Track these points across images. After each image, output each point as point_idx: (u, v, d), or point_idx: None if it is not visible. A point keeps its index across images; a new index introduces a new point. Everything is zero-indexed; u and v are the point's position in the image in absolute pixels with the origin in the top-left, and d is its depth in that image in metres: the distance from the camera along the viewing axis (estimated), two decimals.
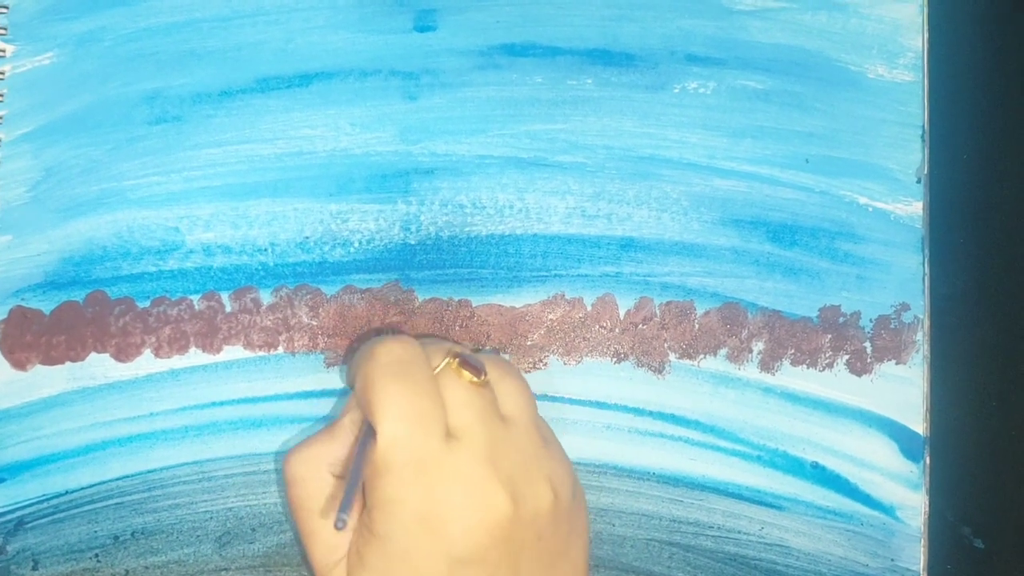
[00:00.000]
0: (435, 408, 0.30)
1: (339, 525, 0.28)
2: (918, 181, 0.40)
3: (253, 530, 0.39)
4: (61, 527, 0.39)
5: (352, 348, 0.38)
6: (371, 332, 0.39)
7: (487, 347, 0.39)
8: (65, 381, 0.39)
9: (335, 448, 0.33)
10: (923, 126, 0.40)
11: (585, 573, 0.34)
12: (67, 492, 0.39)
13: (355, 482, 0.30)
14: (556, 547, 0.32)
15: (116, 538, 0.39)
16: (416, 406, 0.30)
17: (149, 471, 0.39)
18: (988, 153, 0.41)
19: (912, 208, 0.40)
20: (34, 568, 0.39)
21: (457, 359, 0.32)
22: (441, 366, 0.32)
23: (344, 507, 0.28)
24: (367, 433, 0.31)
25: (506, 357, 0.38)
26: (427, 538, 0.30)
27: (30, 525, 0.39)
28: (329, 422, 0.34)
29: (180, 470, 0.39)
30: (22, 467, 0.39)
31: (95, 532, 0.39)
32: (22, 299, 0.39)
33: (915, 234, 0.40)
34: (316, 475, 0.33)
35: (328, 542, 0.32)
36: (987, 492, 0.40)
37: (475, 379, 0.31)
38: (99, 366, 0.39)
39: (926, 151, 0.40)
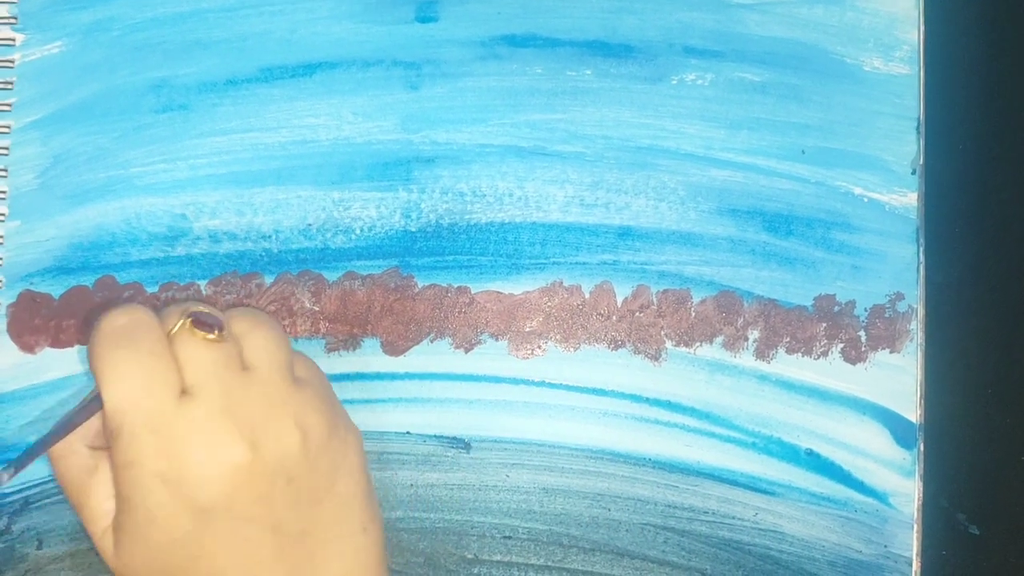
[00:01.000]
0: (164, 369, 0.31)
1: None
2: (913, 172, 0.40)
3: None
4: (65, 507, 0.39)
5: None
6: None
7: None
8: (73, 364, 0.39)
9: (89, 423, 0.34)
10: (919, 118, 0.41)
11: (363, 503, 0.34)
12: None
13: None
14: (315, 484, 0.32)
15: None
16: (141, 368, 0.31)
17: None
18: (983, 144, 0.42)
19: (907, 199, 0.40)
20: (39, 547, 0.39)
21: (191, 318, 0.32)
22: (176, 327, 0.32)
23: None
24: (92, 400, 0.32)
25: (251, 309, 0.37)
26: (168, 495, 0.30)
27: (35, 505, 0.39)
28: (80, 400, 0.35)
29: None
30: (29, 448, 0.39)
31: None
32: (31, 283, 0.40)
33: (910, 224, 0.40)
34: (73, 450, 0.34)
35: (95, 511, 0.33)
36: (982, 479, 0.41)
37: (209, 336, 0.32)
38: None
39: (921, 143, 0.40)
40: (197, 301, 0.34)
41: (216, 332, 0.32)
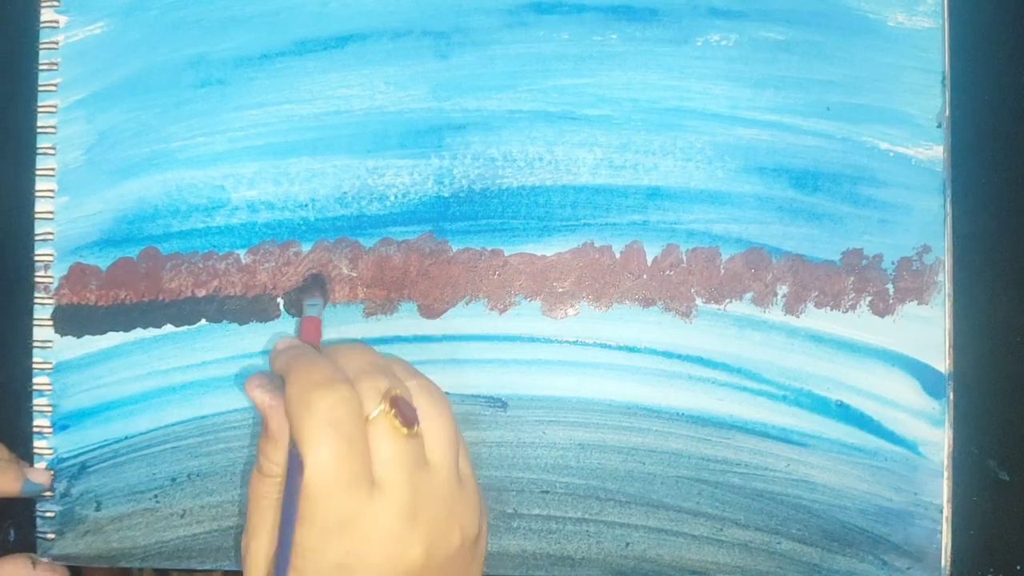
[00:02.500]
0: (364, 465, 0.31)
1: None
2: (939, 126, 0.41)
3: None
4: (122, 470, 0.41)
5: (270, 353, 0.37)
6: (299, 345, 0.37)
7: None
8: (123, 333, 0.41)
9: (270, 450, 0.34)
10: (943, 71, 0.41)
11: None
12: (126, 437, 0.41)
13: (287, 543, 0.31)
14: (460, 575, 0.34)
15: (173, 480, 0.41)
16: (346, 467, 0.31)
17: (202, 416, 0.41)
18: (1008, 96, 0.42)
19: (933, 152, 0.41)
20: (97, 509, 0.41)
21: (392, 409, 0.32)
22: (375, 413, 0.32)
23: (280, 569, 0.30)
24: (293, 478, 0.32)
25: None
26: None
27: (92, 469, 0.41)
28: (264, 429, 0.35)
29: (231, 416, 0.41)
30: (84, 414, 0.41)
31: (153, 474, 0.41)
32: (80, 256, 0.41)
33: (936, 178, 0.41)
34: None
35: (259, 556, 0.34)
36: (1012, 426, 0.41)
37: (405, 431, 0.32)
38: None
39: (947, 96, 0.41)
40: (393, 376, 0.34)
41: (414, 428, 0.32)
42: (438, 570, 0.33)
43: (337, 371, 0.33)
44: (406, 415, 0.32)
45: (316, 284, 0.40)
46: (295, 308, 0.40)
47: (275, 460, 0.33)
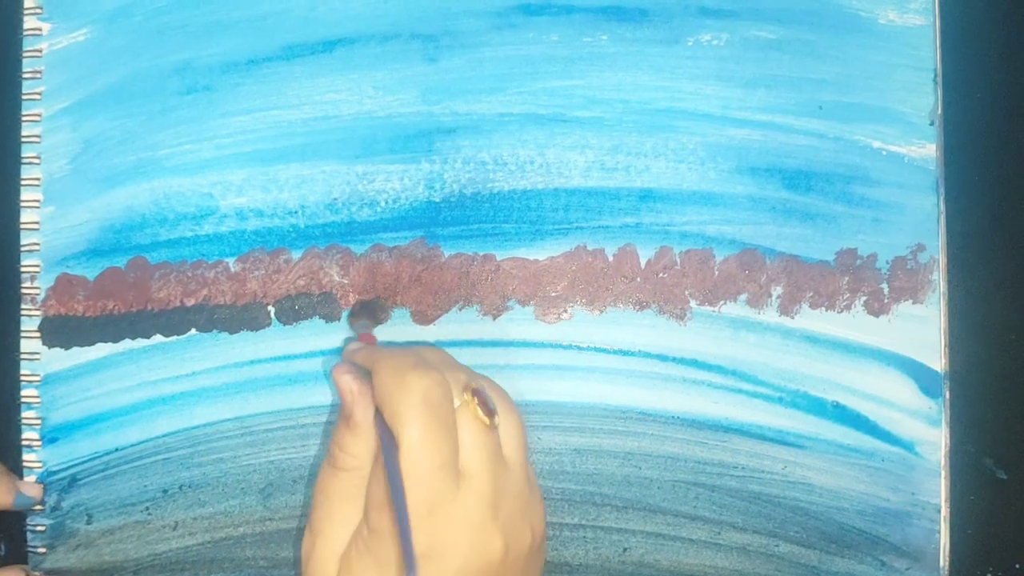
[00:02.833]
0: (453, 451, 0.31)
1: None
2: (931, 123, 0.41)
3: (295, 481, 0.40)
4: (112, 482, 0.41)
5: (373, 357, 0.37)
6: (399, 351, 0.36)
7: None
8: (111, 344, 0.41)
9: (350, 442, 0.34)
10: (935, 69, 0.41)
11: None
12: (117, 449, 0.41)
13: (406, 528, 0.30)
14: None
15: (165, 491, 0.41)
16: (440, 450, 0.31)
17: (193, 427, 0.40)
18: (1001, 91, 0.42)
19: (926, 150, 0.41)
20: (88, 522, 0.41)
21: (476, 398, 0.32)
22: (458, 404, 0.32)
23: (409, 564, 0.29)
24: (390, 461, 0.31)
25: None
26: (423, 572, 0.31)
27: (83, 481, 0.41)
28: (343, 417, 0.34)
29: (223, 426, 0.40)
30: (73, 427, 0.41)
31: (145, 486, 0.41)
32: (67, 267, 0.41)
33: (929, 176, 0.41)
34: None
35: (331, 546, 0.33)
36: (1008, 424, 0.41)
37: (488, 421, 0.32)
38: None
39: (939, 93, 0.41)
40: (472, 373, 0.34)
41: (494, 419, 0.32)
42: (514, 567, 0.32)
43: (425, 359, 0.33)
44: (488, 406, 0.32)
45: (364, 310, 0.40)
46: (360, 323, 0.40)
47: (353, 452, 0.33)
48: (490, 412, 0.32)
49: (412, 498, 0.30)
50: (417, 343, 0.40)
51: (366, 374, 0.33)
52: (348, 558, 0.32)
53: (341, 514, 0.33)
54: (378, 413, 0.32)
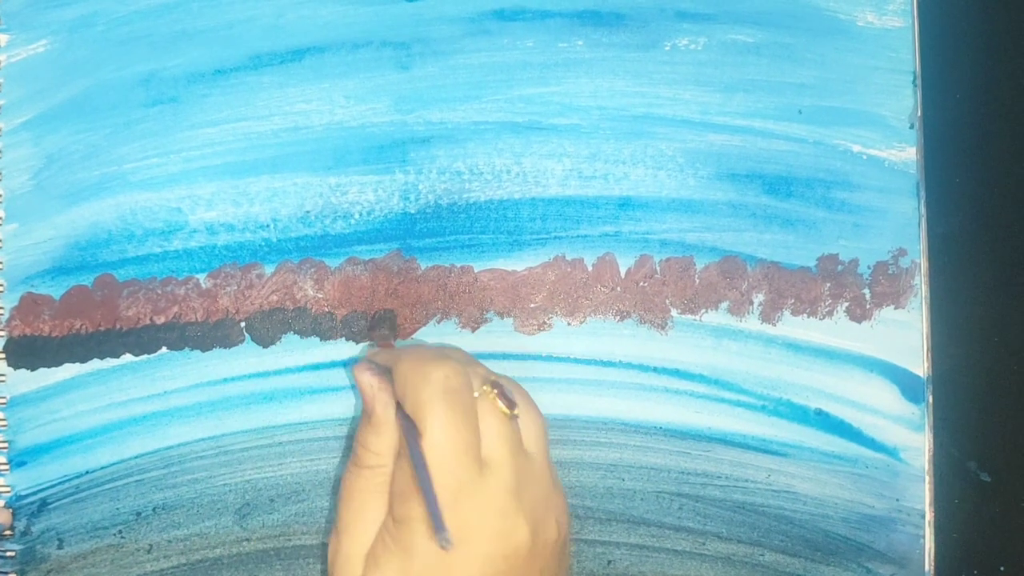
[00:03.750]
0: (475, 438, 0.32)
1: (445, 545, 0.29)
2: (911, 126, 0.40)
3: (272, 500, 0.40)
4: (84, 506, 0.39)
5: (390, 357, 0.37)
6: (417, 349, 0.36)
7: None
8: (79, 364, 0.39)
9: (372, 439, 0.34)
10: (914, 71, 0.40)
11: None
12: (87, 472, 0.39)
13: (432, 498, 0.30)
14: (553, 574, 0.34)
15: (138, 514, 0.40)
16: (463, 436, 0.31)
17: (167, 448, 0.39)
18: (980, 93, 0.41)
19: (906, 154, 0.40)
20: (59, 547, 0.40)
21: (495, 390, 0.33)
22: (478, 394, 0.33)
23: (439, 526, 0.29)
24: (414, 453, 0.31)
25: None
26: (447, 560, 0.31)
27: (53, 505, 0.40)
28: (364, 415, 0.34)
29: (197, 445, 0.40)
30: (42, 450, 0.39)
31: (117, 509, 0.39)
32: (32, 285, 0.39)
33: (910, 180, 0.40)
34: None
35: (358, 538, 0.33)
36: (991, 427, 0.41)
37: (507, 411, 0.33)
38: None
39: (918, 95, 0.40)
40: (488, 370, 0.34)
41: (514, 410, 0.33)
42: (540, 557, 0.32)
43: (444, 352, 0.34)
44: (507, 397, 0.33)
45: (384, 321, 0.39)
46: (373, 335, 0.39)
47: (376, 449, 0.33)
48: (510, 403, 0.33)
49: (437, 483, 0.30)
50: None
51: (385, 372, 0.34)
52: (375, 554, 0.32)
53: (366, 512, 0.33)
54: (399, 407, 0.32)
